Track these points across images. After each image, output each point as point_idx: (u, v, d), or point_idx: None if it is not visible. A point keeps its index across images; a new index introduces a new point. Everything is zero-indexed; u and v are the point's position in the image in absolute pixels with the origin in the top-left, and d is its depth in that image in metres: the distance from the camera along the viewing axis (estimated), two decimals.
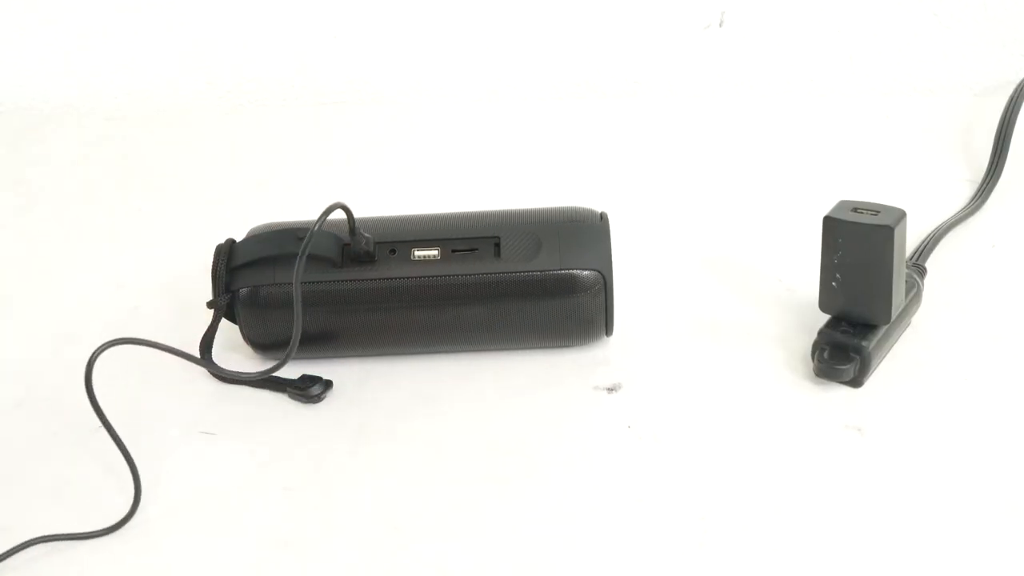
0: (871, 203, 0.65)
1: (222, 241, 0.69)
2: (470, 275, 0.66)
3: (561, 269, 0.66)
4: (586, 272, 0.66)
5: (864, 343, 0.65)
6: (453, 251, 0.67)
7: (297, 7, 1.06)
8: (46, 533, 0.58)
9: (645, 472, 0.61)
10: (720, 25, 1.03)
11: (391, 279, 0.66)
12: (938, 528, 0.57)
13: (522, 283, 0.66)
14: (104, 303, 0.79)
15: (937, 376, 0.67)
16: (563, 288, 0.66)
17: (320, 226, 0.63)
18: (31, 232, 0.90)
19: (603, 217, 0.69)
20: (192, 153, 1.01)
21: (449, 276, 0.66)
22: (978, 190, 0.86)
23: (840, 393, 0.66)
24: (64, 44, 1.08)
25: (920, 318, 0.71)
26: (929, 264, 0.75)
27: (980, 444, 0.62)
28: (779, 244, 0.80)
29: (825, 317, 0.67)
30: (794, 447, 0.62)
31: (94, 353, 0.59)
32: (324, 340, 0.68)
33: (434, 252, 0.67)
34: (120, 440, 0.60)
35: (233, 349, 0.71)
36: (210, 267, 0.68)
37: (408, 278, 0.66)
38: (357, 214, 0.66)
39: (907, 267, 0.70)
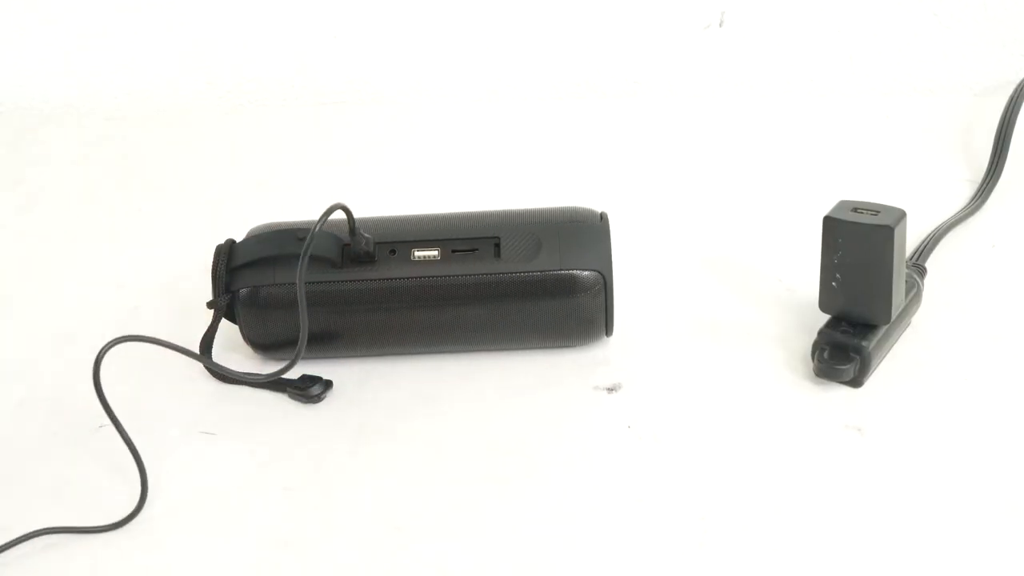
0: (871, 203, 0.65)
1: (222, 241, 0.69)
2: (470, 275, 0.66)
3: (561, 269, 0.66)
4: (586, 272, 0.66)
5: (864, 343, 0.65)
6: (453, 251, 0.67)
7: (297, 7, 1.06)
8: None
9: (645, 472, 0.61)
10: (720, 25, 1.03)
11: (391, 279, 0.66)
12: (938, 528, 0.57)
13: (522, 283, 0.66)
14: (104, 303, 0.78)
15: (937, 376, 0.67)
16: (563, 288, 0.66)
17: (321, 226, 0.63)
18: (31, 232, 0.90)
19: (603, 217, 0.69)
20: (192, 153, 1.01)
21: (449, 276, 0.66)
22: (978, 190, 0.86)
23: (840, 393, 0.66)
24: (64, 44, 1.08)
25: (920, 318, 0.71)
26: (929, 264, 0.75)
27: (980, 444, 0.62)
28: (779, 244, 0.80)
29: (825, 317, 0.67)
30: (794, 447, 0.62)
31: (102, 349, 0.59)
32: (324, 340, 0.68)
33: (434, 252, 0.67)
34: (127, 435, 0.61)
35: (233, 349, 0.71)
36: (210, 267, 0.68)
37: (408, 278, 0.66)
38: (357, 214, 0.66)
39: (907, 267, 0.70)
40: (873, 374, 0.66)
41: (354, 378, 0.69)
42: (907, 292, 0.68)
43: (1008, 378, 0.66)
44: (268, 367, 0.68)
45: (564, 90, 1.07)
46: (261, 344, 0.69)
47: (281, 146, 1.02)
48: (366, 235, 0.66)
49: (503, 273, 0.66)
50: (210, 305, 0.68)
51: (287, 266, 0.65)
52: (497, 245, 0.67)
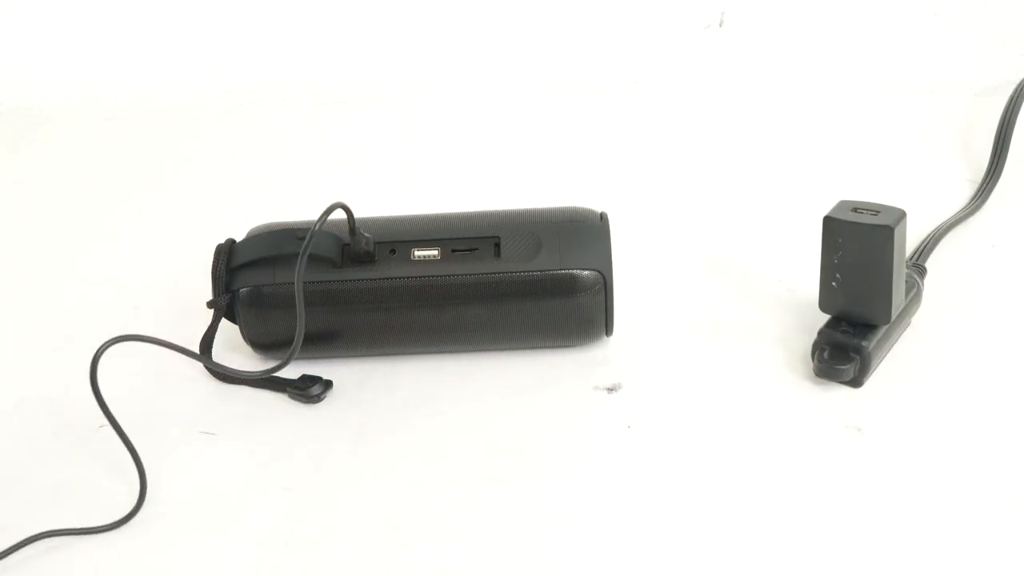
0: (871, 203, 0.65)
1: (222, 241, 0.69)
2: (470, 275, 0.66)
3: (561, 269, 0.66)
4: (586, 272, 0.66)
5: (864, 343, 0.65)
6: (453, 251, 0.67)
7: (297, 7, 1.06)
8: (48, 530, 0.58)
9: (645, 472, 0.61)
10: (720, 25, 1.03)
11: (391, 279, 0.66)
12: (938, 528, 0.57)
13: (522, 283, 0.66)
14: (104, 303, 0.78)
15: (937, 376, 0.67)
16: (563, 288, 0.66)
17: (320, 226, 0.63)
18: (31, 232, 0.90)
19: (603, 217, 0.69)
20: (192, 153, 1.01)
21: (449, 276, 0.66)
22: (978, 190, 0.86)
23: (840, 393, 0.66)
24: (64, 44, 1.08)
25: (920, 318, 0.71)
26: (929, 264, 0.75)
27: (980, 444, 0.62)
28: (779, 244, 0.80)
29: (825, 317, 0.67)
30: (794, 447, 0.62)
31: (100, 349, 0.59)
32: (324, 340, 0.68)
33: (434, 252, 0.67)
34: (125, 435, 0.61)
35: (233, 349, 0.71)
36: (210, 267, 0.68)
37: (408, 278, 0.66)
38: (357, 214, 0.66)
39: (907, 267, 0.70)
40: (873, 374, 0.66)
41: (354, 378, 0.69)
42: (907, 292, 0.68)
43: (1008, 378, 0.66)
44: (268, 367, 0.68)
45: (564, 90, 1.07)
46: (261, 344, 0.69)
47: (281, 146, 1.02)
48: (366, 235, 0.66)
49: (503, 273, 0.66)
50: (210, 305, 0.68)
51: (287, 266, 0.65)
52: (497, 245, 0.67)
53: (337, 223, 0.65)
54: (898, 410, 0.64)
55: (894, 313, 0.65)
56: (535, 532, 0.58)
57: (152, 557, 0.58)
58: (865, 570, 0.55)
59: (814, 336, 0.67)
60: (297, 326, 0.63)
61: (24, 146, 1.05)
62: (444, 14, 1.05)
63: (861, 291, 0.65)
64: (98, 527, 0.59)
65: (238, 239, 0.69)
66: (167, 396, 0.69)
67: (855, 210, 0.65)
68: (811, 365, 0.66)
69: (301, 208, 0.71)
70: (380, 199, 0.83)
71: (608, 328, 0.69)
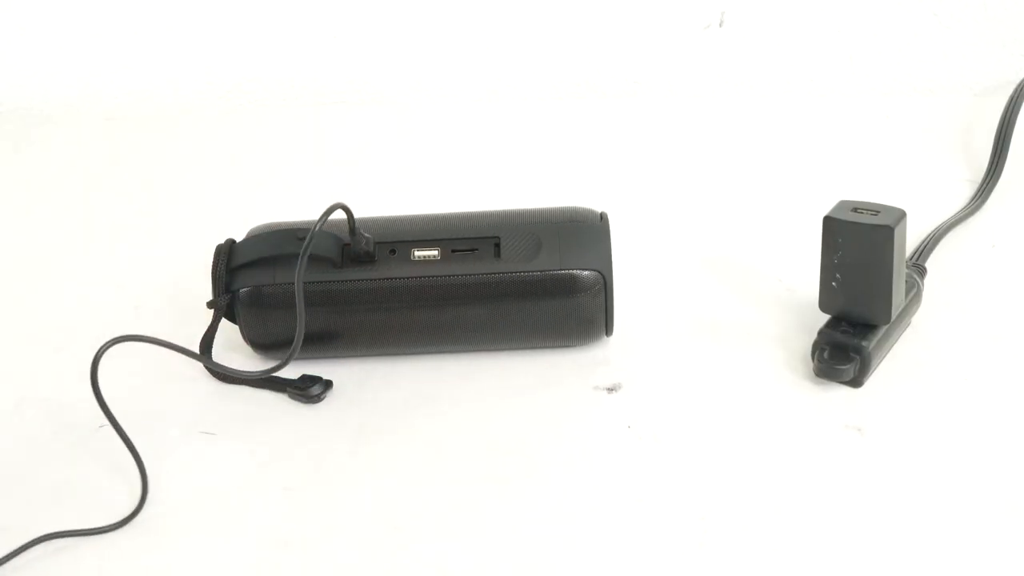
0: (871, 203, 0.65)
1: (222, 241, 0.69)
2: (470, 275, 0.66)
3: (561, 269, 0.66)
4: (586, 272, 0.66)
5: (864, 343, 0.65)
6: (453, 251, 0.67)
7: (297, 7, 1.06)
8: (48, 531, 0.58)
9: (645, 472, 0.61)
10: (720, 25, 1.03)
11: (391, 279, 0.66)
12: (938, 528, 0.57)
13: (522, 283, 0.66)
14: (104, 303, 0.79)
15: (937, 376, 0.67)
16: (563, 288, 0.66)
17: (321, 226, 0.63)
18: (31, 232, 0.90)
19: (603, 217, 0.69)
20: (192, 153, 1.01)
21: (449, 276, 0.66)
22: (978, 190, 0.86)
23: (840, 393, 0.66)
24: (64, 44, 1.08)
25: (920, 318, 0.71)
26: (929, 264, 0.75)
27: (980, 444, 0.62)
28: (779, 244, 0.80)
29: (825, 317, 0.67)
30: (794, 447, 0.62)
31: (100, 349, 0.60)
32: (324, 340, 0.68)
33: (434, 252, 0.67)
34: (126, 435, 0.61)
35: (233, 349, 0.71)
36: (210, 267, 0.68)
37: (408, 278, 0.66)
38: (357, 214, 0.66)
39: (907, 267, 0.70)
40: (873, 374, 0.66)
41: (354, 378, 0.69)
42: (907, 292, 0.68)
43: (1008, 378, 0.66)
44: (268, 367, 0.68)
45: (564, 90, 1.07)
46: (261, 344, 0.69)
47: (281, 146, 1.02)
48: (366, 235, 0.66)
49: (503, 273, 0.66)
50: (210, 305, 0.68)
51: (287, 266, 0.65)
52: (497, 245, 0.67)
53: (337, 223, 0.65)
54: (898, 410, 0.64)
55: (894, 313, 0.65)
56: (535, 532, 0.58)
57: (153, 557, 0.58)
58: (865, 570, 0.55)
59: (814, 336, 0.67)
60: (297, 326, 0.63)
61: (24, 146, 1.05)
62: (444, 14, 1.05)
63: (861, 291, 0.65)
64: (101, 528, 0.59)
65: (238, 239, 0.69)
66: (167, 396, 0.69)
67: (855, 210, 0.65)
68: (811, 365, 0.66)
69: (301, 208, 0.71)
70: (380, 199, 0.83)
71: (608, 328, 0.69)
